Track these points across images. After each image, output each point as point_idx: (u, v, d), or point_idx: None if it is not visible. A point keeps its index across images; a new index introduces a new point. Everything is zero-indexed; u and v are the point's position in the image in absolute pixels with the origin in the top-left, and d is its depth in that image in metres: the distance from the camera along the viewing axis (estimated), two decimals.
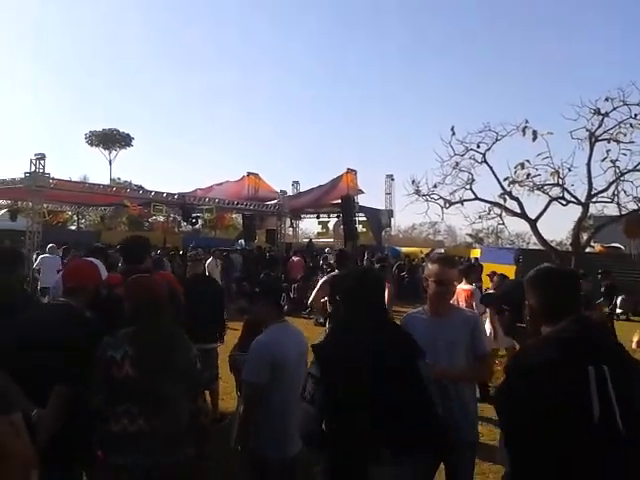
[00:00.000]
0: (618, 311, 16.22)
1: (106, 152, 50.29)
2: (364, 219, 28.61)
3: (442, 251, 27.64)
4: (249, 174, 28.92)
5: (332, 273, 7.39)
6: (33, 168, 17.56)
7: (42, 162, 17.67)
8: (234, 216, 29.97)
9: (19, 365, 2.33)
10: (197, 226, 27.89)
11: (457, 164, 11.93)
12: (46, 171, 17.85)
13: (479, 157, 11.85)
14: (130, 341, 2.90)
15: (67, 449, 2.79)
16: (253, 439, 3.21)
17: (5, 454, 1.41)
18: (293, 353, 3.25)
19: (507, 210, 11.81)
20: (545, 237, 12.39)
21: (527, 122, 11.37)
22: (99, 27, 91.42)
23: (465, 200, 12.06)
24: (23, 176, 17.73)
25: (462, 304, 6.82)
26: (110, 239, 22.38)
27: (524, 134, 11.35)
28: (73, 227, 34.98)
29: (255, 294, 3.64)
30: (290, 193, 30.26)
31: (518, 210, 11.68)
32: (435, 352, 3.07)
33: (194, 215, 25.11)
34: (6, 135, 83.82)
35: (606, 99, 10.91)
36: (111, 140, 49.44)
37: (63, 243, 16.41)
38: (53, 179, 18.25)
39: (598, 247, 22.44)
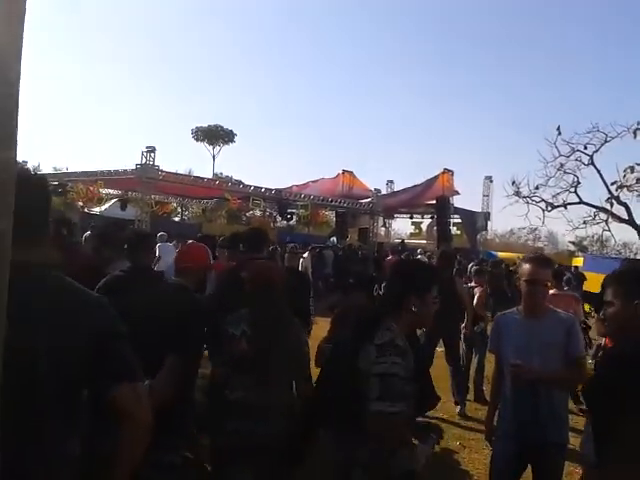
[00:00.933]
0: None
1: (210, 147, 52.56)
2: (459, 221, 28.08)
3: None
4: (344, 172, 29.21)
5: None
6: (144, 160, 18.71)
7: (152, 155, 18.80)
8: (328, 213, 30.38)
9: (139, 338, 2.56)
10: (292, 222, 28.51)
11: (562, 165, 11.45)
12: (155, 164, 18.99)
13: (586, 159, 11.30)
14: (247, 320, 3.15)
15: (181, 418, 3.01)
16: None
17: (127, 417, 1.61)
18: None
19: (614, 216, 11.19)
20: None
21: (639, 123, 10.72)
22: (210, 30, 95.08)
23: (569, 204, 11.55)
24: (134, 167, 18.96)
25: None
26: (211, 230, 23.42)
27: (635, 136, 10.70)
28: (177, 218, 36.80)
29: (349, 285, 3.76)
30: (384, 192, 30.25)
31: (626, 216, 11.03)
32: (529, 353, 3.06)
33: (289, 211, 25.76)
34: (118, 128, 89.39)
35: None
36: (215, 136, 51.60)
37: (168, 233, 17.35)
38: (162, 171, 19.38)
39: None
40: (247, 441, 2.99)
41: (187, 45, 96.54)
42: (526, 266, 3.23)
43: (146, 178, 18.92)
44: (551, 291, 6.96)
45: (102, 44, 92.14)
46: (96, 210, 24.16)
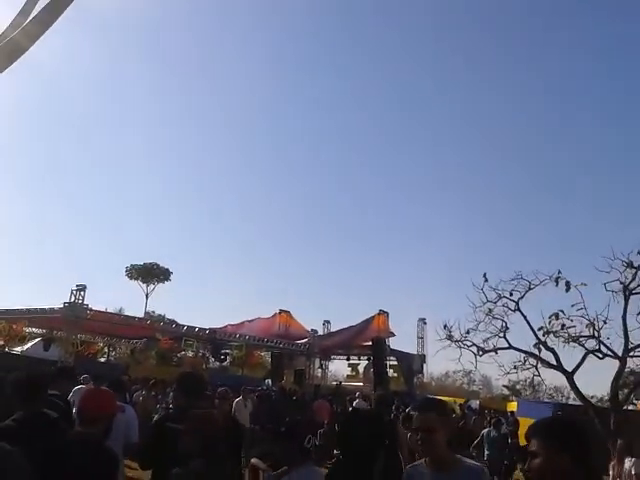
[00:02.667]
0: None
1: (144, 285, 51.72)
2: (395, 363, 28.09)
3: (477, 402, 26.56)
4: (281, 311, 29.20)
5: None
6: (73, 299, 18.15)
7: (82, 293, 18.33)
8: (263, 354, 29.77)
9: None
10: (225, 363, 27.72)
11: (490, 311, 11.78)
12: (85, 302, 18.44)
13: (512, 305, 11.73)
14: (198, 476, 2.91)
15: None
16: None
17: None
18: None
19: (542, 361, 11.43)
20: (584, 392, 11.83)
21: (560, 272, 11.36)
22: (139, 163, 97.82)
23: (499, 348, 11.76)
24: (62, 305, 18.31)
25: None
26: (138, 373, 22.29)
27: (557, 284, 11.29)
28: (102, 359, 35.09)
29: (279, 434, 3.60)
30: (321, 332, 30.21)
31: (554, 362, 11.30)
32: None
33: (223, 351, 25.11)
34: (47, 265, 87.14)
35: (638, 252, 10.94)
36: (150, 274, 51.05)
37: (92, 375, 16.43)
38: (90, 310, 18.77)
39: None
40: None
41: (121, 182, 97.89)
42: (414, 414, 3.07)
43: (74, 317, 18.25)
44: None
45: (29, 174, 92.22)
46: (17, 349, 22.80)
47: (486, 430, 12.53)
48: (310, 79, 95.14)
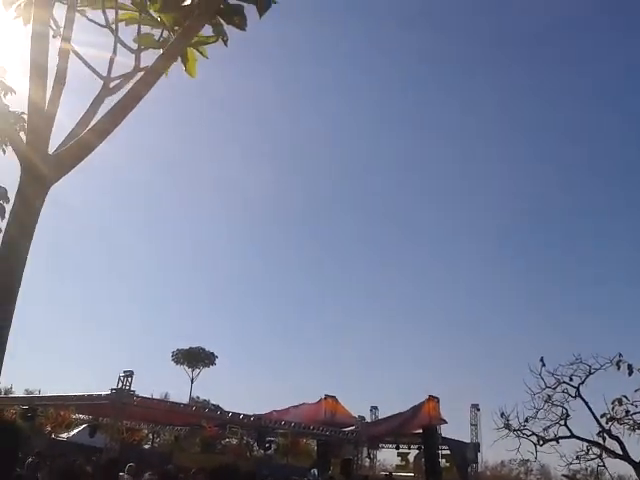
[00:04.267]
0: None
1: (189, 370, 51.66)
2: (447, 452, 26.71)
3: None
4: (327, 397, 28.49)
5: None
6: (120, 385, 18.18)
7: (129, 379, 18.35)
8: (309, 442, 28.83)
9: None
10: (270, 451, 26.91)
11: (549, 397, 11.22)
12: (131, 388, 18.43)
13: (572, 391, 11.15)
14: None
15: None
16: None
17: None
18: None
19: (607, 450, 10.70)
20: None
21: (621, 355, 10.83)
22: (184, 250, 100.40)
23: (560, 437, 11.09)
24: (109, 392, 18.33)
25: None
26: (182, 461, 21.82)
27: (619, 368, 10.73)
28: (147, 445, 34.60)
29: None
30: (368, 419, 29.19)
31: (619, 451, 10.57)
32: None
33: (268, 439, 24.43)
34: (97, 351, 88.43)
35: None
36: (196, 358, 51.10)
37: (137, 462, 16.19)
38: (137, 396, 18.72)
39: None
40: None
41: (163, 267, 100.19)
42: None
43: (121, 403, 18.21)
44: None
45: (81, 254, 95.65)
46: (64, 436, 22.79)
47: None
48: None
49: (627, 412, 10.73)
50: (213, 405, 35.56)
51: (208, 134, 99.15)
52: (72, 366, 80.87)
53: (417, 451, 27.62)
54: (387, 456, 34.76)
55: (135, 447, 28.45)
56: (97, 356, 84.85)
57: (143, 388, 36.42)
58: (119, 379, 18.19)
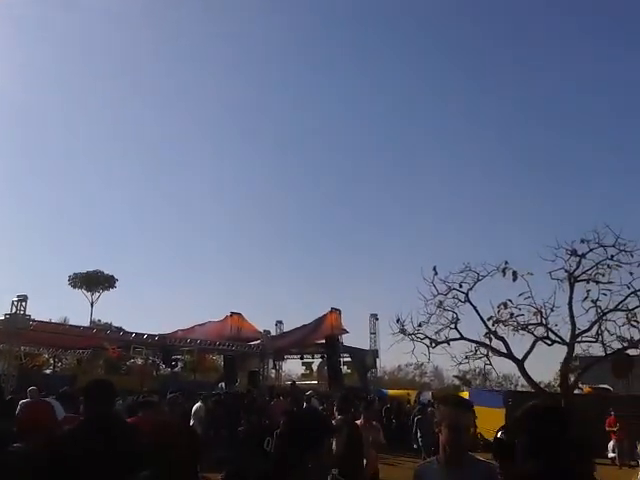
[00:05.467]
0: (611, 455, 15.68)
1: (89, 294, 50.12)
2: (349, 359, 28.20)
3: (429, 394, 26.97)
4: (232, 314, 28.74)
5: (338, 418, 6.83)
6: (14, 310, 17.34)
7: (24, 304, 17.51)
8: (215, 358, 29.32)
9: None
10: (176, 369, 27.14)
11: (441, 303, 11.97)
12: (26, 313, 17.63)
13: (462, 296, 11.93)
14: None
15: None
16: None
17: None
18: None
19: (493, 350, 11.68)
20: (533, 378, 12.14)
21: (507, 263, 11.64)
22: (86, 168, 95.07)
23: (451, 339, 11.95)
24: (3, 318, 17.46)
25: None
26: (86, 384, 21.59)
27: (504, 274, 11.56)
28: (48, 371, 33.79)
29: (237, 439, 3.46)
30: (274, 333, 29.97)
31: (504, 350, 11.57)
32: None
33: (174, 357, 24.54)
34: None
35: (582, 240, 11.25)
36: (95, 282, 49.48)
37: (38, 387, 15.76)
38: (33, 321, 17.98)
39: (586, 388, 22.07)
40: None
41: (60, 189, 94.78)
42: (446, 410, 2.98)
43: (16, 328, 17.42)
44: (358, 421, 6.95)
45: None
46: None
47: (415, 418, 13.81)
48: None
49: (512, 315, 11.67)
50: (115, 328, 34.94)
51: None
52: None
53: (320, 360, 28.85)
54: (292, 366, 36.14)
55: (36, 372, 27.69)
56: None
57: (39, 313, 34.96)
58: (12, 304, 17.31)
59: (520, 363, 11.43)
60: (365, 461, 6.67)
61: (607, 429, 16.01)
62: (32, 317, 17.98)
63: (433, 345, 11.93)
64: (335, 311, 28.70)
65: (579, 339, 11.25)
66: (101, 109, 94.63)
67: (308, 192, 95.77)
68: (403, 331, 12.11)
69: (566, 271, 11.37)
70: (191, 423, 11.75)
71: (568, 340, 11.22)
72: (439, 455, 3.04)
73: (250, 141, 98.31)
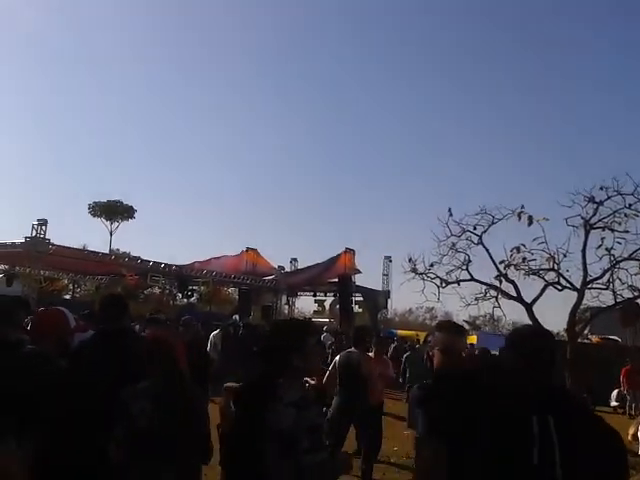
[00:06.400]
0: (614, 404, 15.86)
1: (108, 223, 50.70)
2: (360, 299, 28.59)
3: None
4: (248, 249, 29.14)
5: (347, 351, 7.12)
6: (34, 233, 17.71)
7: (43, 228, 17.88)
8: (230, 290, 29.90)
9: None
10: (192, 299, 27.77)
11: (454, 245, 11.90)
12: (46, 237, 18.01)
13: (475, 239, 11.88)
14: (147, 395, 2.86)
15: None
16: None
17: None
18: None
19: (503, 293, 11.70)
20: (544, 326, 12.20)
21: (523, 207, 11.49)
22: (109, 99, 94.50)
23: (461, 280, 11.96)
24: (23, 240, 17.87)
25: None
26: None
27: (520, 219, 11.43)
28: (67, 296, 34.74)
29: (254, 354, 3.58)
30: (288, 270, 30.39)
31: (514, 293, 11.61)
32: None
33: (190, 288, 25.10)
34: (8, 200, 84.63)
35: (601, 188, 11.03)
36: (114, 212, 49.87)
37: None
38: (53, 245, 18.37)
39: (595, 338, 22.25)
40: None
41: (84, 119, 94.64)
42: (439, 334, 3.06)
43: (36, 252, 17.85)
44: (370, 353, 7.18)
45: None
46: None
47: (405, 354, 14.47)
48: None
49: (524, 259, 11.61)
50: (133, 256, 35.60)
51: None
52: None
53: (333, 298, 29.24)
54: (305, 303, 36.73)
55: (55, 297, 28.51)
56: (7, 209, 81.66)
57: (60, 239, 35.61)
58: (32, 227, 17.69)
59: (529, 307, 11.47)
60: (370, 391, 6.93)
61: (622, 378, 15.86)
62: (52, 241, 18.39)
63: (443, 285, 11.97)
64: (349, 251, 28.94)
65: (590, 286, 11.23)
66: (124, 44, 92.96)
67: (327, 130, 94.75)
68: (414, 270, 12.15)
69: (582, 218, 11.22)
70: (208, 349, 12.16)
71: (579, 286, 11.22)
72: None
73: (272, 82, 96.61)
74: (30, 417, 2.65)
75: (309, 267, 29.78)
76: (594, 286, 11.26)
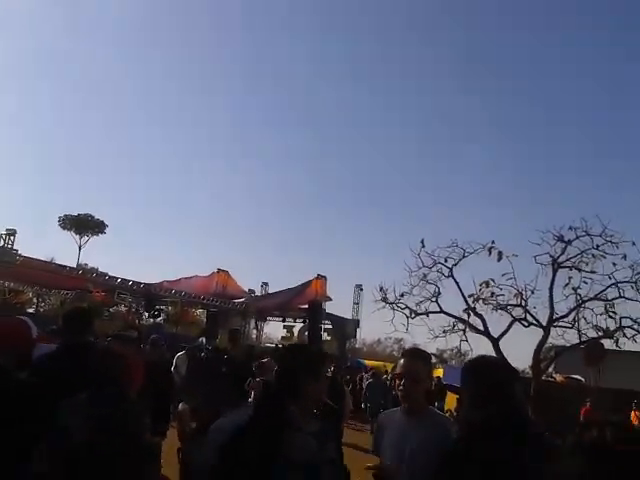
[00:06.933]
0: None
1: (77, 237, 49.93)
2: (330, 327, 28.52)
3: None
4: (219, 270, 28.96)
5: None
6: (2, 243, 17.39)
7: (12, 238, 17.57)
8: (198, 312, 29.56)
9: None
10: (159, 319, 27.34)
11: (425, 276, 12.09)
12: (14, 247, 17.69)
13: (446, 271, 12.07)
14: (85, 408, 2.79)
15: None
16: None
17: None
18: None
19: (471, 326, 11.88)
20: (509, 362, 12.34)
21: (493, 242, 11.76)
22: (84, 110, 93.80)
23: (430, 312, 12.12)
24: None
25: None
26: None
27: (490, 254, 11.69)
28: (31, 310, 33.89)
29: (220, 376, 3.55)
30: (258, 293, 30.24)
31: (482, 327, 11.77)
32: (400, 455, 2.83)
33: (158, 307, 24.74)
34: None
35: (570, 228, 11.36)
36: (84, 226, 49.22)
37: None
38: (20, 256, 18.03)
39: (558, 377, 22.48)
40: None
41: (60, 131, 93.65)
42: (402, 360, 3.07)
43: (2, 262, 17.48)
44: None
45: None
46: None
47: (367, 382, 14.38)
48: None
49: (492, 294, 11.83)
50: (101, 272, 35.01)
51: None
52: None
53: (302, 324, 29.14)
54: (273, 329, 36.54)
55: (19, 310, 27.78)
56: None
57: (27, 250, 34.88)
58: (1, 237, 17.34)
59: (496, 341, 11.64)
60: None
61: (582, 418, 16.12)
62: (19, 252, 18.04)
63: (413, 316, 12.10)
64: (321, 278, 28.97)
65: (556, 324, 11.45)
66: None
67: (304, 154, 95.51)
68: (385, 299, 12.27)
69: (551, 256, 11.51)
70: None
71: (545, 324, 11.42)
72: (402, 405, 3.14)
73: (251, 89, 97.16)
74: None
75: (280, 292, 29.71)
76: (560, 324, 11.51)
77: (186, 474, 4.49)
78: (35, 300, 35.12)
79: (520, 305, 11.57)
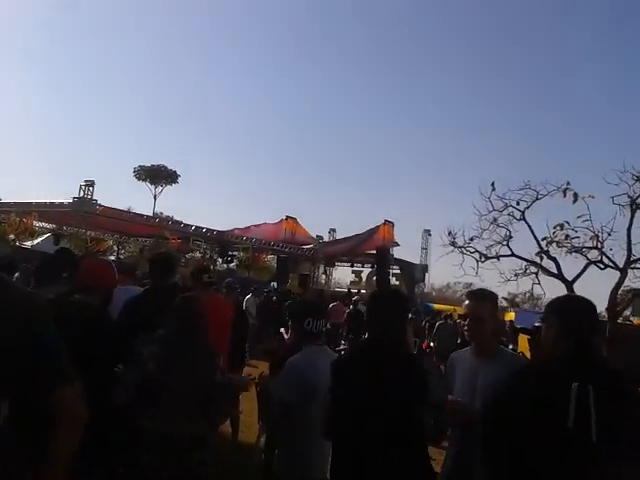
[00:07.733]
0: None
1: (152, 187, 51.60)
2: (398, 272, 28.54)
3: None
4: (287, 218, 29.35)
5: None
6: (82, 194, 18.22)
7: (91, 189, 18.38)
8: (269, 258, 30.25)
9: None
10: (232, 265, 28.20)
11: (495, 219, 11.81)
12: (93, 198, 18.53)
13: (518, 214, 11.74)
14: (159, 341, 3.01)
15: (104, 447, 2.80)
16: (277, 462, 3.18)
17: (68, 416, 1.60)
18: (326, 377, 2.78)
19: (543, 269, 11.57)
20: None
21: (569, 184, 11.27)
22: (157, 68, 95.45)
23: (501, 256, 11.88)
24: (71, 200, 18.41)
25: None
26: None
27: (565, 195, 11.22)
28: (112, 257, 35.68)
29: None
30: (326, 240, 30.51)
31: (555, 271, 11.47)
32: (472, 393, 2.91)
33: (230, 253, 25.50)
34: (56, 162, 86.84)
35: None
36: (158, 176, 50.64)
37: None
38: (100, 206, 18.89)
39: (636, 320, 21.76)
40: (160, 475, 2.82)
41: (134, 85, 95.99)
42: (466, 302, 3.12)
43: (83, 212, 18.41)
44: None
45: (41, 74, 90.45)
46: (28, 244, 23.18)
47: (438, 323, 14.26)
48: None
49: (567, 236, 11.44)
50: (176, 220, 36.29)
51: None
52: (31, 177, 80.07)
53: (370, 270, 29.26)
54: (342, 274, 36.81)
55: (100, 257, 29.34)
56: (57, 167, 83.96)
57: (105, 200, 36.45)
58: (80, 188, 18.19)
59: (570, 284, 11.32)
60: None
61: None
62: (99, 202, 18.89)
63: (482, 259, 11.93)
64: (388, 223, 28.84)
65: (634, 265, 11.01)
66: None
67: (367, 100, 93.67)
68: (454, 243, 12.13)
69: (629, 197, 10.97)
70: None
71: (622, 266, 11.01)
72: (471, 345, 3.19)
73: (310, 55, 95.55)
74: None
75: (347, 238, 29.81)
76: (638, 266, 11.06)
77: (264, 407, 4.78)
78: (115, 248, 36.96)
79: (596, 247, 11.16)
